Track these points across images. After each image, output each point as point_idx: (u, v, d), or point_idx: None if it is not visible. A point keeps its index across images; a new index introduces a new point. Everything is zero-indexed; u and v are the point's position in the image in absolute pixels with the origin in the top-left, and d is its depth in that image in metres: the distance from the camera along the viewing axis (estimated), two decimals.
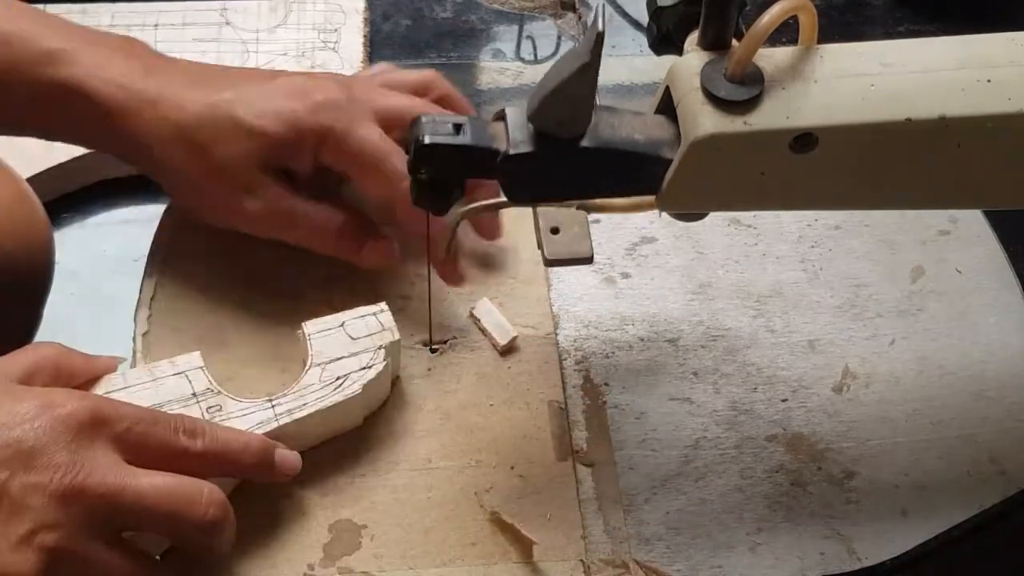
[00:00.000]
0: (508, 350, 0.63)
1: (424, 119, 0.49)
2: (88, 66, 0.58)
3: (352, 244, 0.62)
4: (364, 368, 0.57)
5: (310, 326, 0.58)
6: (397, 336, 0.59)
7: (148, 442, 0.49)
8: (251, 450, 0.53)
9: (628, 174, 0.50)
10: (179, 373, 0.56)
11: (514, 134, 0.49)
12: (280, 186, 0.60)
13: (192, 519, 0.49)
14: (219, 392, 0.55)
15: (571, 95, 0.46)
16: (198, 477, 0.50)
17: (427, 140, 0.49)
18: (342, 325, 0.59)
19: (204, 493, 0.50)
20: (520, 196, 0.52)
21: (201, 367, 0.56)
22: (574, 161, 0.49)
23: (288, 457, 0.54)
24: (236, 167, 0.58)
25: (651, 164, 0.49)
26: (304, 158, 0.60)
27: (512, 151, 0.49)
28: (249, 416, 0.55)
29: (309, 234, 0.61)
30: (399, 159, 0.58)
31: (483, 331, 0.64)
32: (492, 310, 0.64)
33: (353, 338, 0.58)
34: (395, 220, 0.61)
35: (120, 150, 0.61)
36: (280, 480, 0.55)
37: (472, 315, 0.64)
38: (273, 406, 0.55)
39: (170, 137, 0.58)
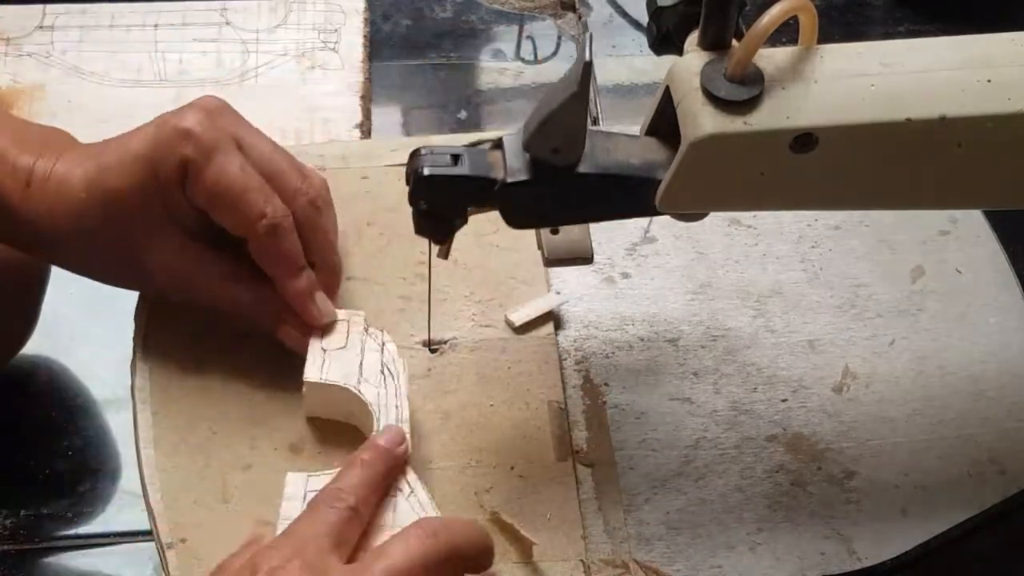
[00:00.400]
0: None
1: (423, 151, 0.51)
2: None
3: (269, 316, 0.58)
4: (381, 348, 0.58)
5: (311, 375, 0.57)
6: (361, 312, 0.60)
7: None
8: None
9: (624, 197, 0.51)
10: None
11: (511, 162, 0.50)
12: (180, 244, 0.56)
13: None
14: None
15: (563, 123, 0.47)
16: None
17: (426, 172, 0.50)
18: (324, 351, 0.58)
19: None
20: (519, 222, 0.53)
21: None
22: (571, 187, 0.50)
23: None
24: (132, 227, 0.55)
25: (646, 186, 0.50)
26: (179, 197, 0.55)
27: (510, 179, 0.50)
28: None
29: (218, 302, 0.58)
30: (258, 195, 0.55)
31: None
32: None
33: (344, 347, 0.58)
34: (259, 263, 0.57)
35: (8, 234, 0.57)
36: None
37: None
38: (382, 412, 0.56)
39: (61, 210, 0.55)
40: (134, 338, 0.61)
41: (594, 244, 0.60)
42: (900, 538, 0.58)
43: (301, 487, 0.53)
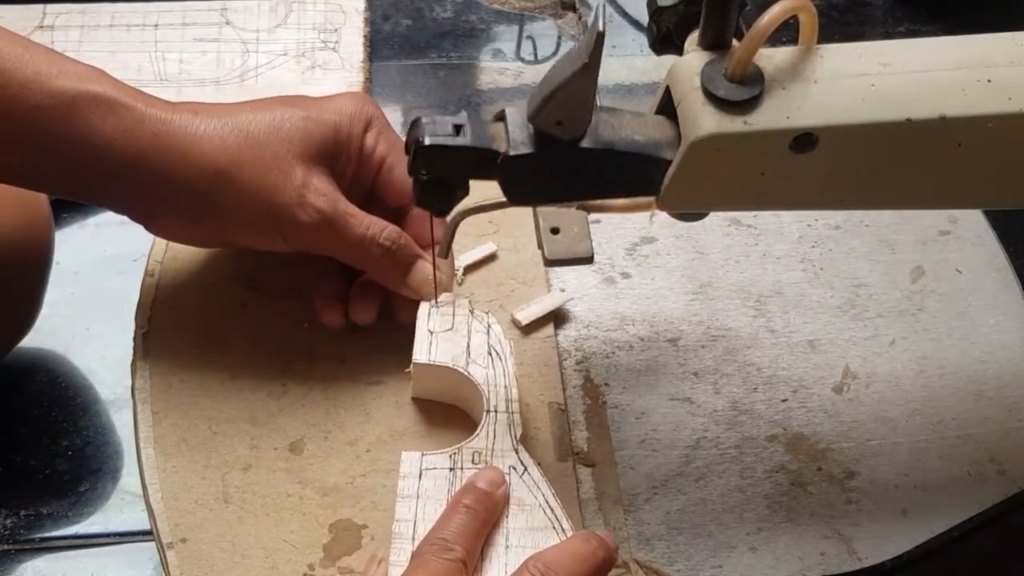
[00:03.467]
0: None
1: (424, 119, 0.49)
2: (114, 83, 0.55)
3: (400, 265, 0.60)
4: (487, 330, 0.60)
5: (420, 357, 0.58)
6: (467, 298, 0.61)
7: None
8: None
9: (628, 175, 0.50)
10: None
11: (514, 135, 0.49)
12: (336, 186, 0.58)
13: None
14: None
15: (571, 96, 0.46)
16: None
17: (427, 141, 0.49)
18: (431, 333, 0.59)
19: None
20: (520, 197, 0.51)
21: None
22: (574, 162, 0.49)
23: None
24: (295, 160, 0.56)
25: (651, 165, 0.49)
26: (354, 143, 0.59)
27: (512, 152, 0.49)
28: (495, 431, 0.57)
29: (358, 246, 0.58)
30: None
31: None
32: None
33: (451, 329, 0.59)
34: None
35: (140, 176, 0.55)
36: None
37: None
38: (494, 411, 0.57)
39: (221, 134, 0.55)
40: (134, 338, 0.61)
41: (594, 244, 0.60)
42: (900, 538, 0.58)
43: (416, 465, 0.54)
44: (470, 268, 0.67)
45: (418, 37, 0.88)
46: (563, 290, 0.67)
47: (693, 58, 0.49)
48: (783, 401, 0.63)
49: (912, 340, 0.66)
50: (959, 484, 0.61)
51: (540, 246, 0.59)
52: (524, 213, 0.62)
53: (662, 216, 0.54)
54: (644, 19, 0.56)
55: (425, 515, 0.53)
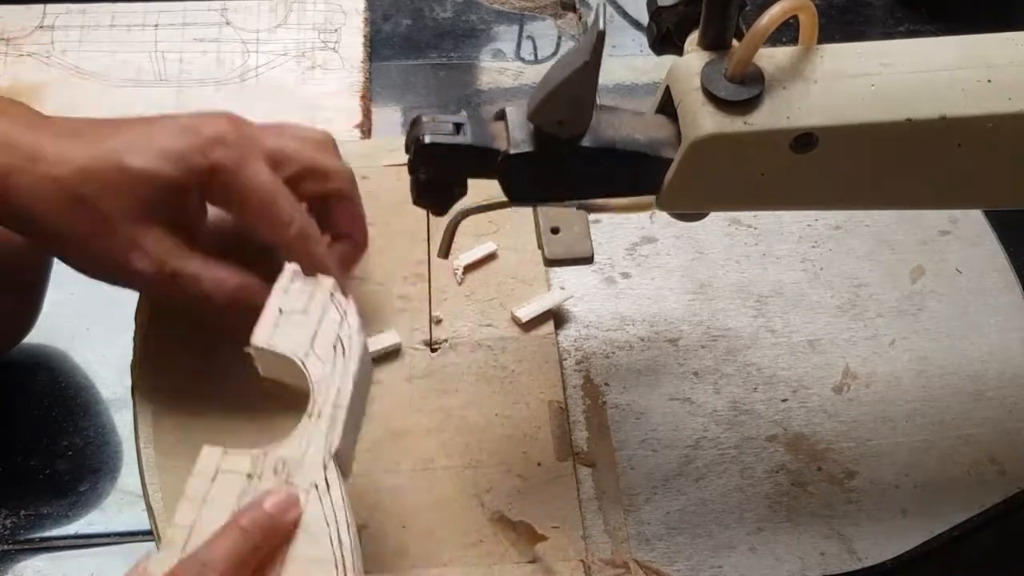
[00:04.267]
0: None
1: (424, 118, 0.49)
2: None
3: (244, 311, 0.55)
4: (341, 320, 0.54)
5: (259, 339, 0.53)
6: (330, 277, 0.55)
7: None
8: None
9: (628, 174, 0.50)
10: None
11: (514, 133, 0.49)
12: (172, 240, 0.55)
13: None
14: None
15: (572, 95, 0.46)
16: None
17: (427, 139, 0.49)
18: (281, 312, 0.54)
19: None
20: (520, 196, 0.51)
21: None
22: (574, 161, 0.49)
23: None
24: (124, 219, 0.54)
25: (651, 164, 0.49)
26: (193, 199, 0.56)
27: (512, 151, 0.48)
28: (310, 439, 0.50)
29: (198, 298, 0.56)
30: (287, 202, 0.56)
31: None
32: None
33: (303, 311, 0.54)
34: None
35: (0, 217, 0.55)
36: None
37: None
38: (317, 415, 0.51)
39: (53, 195, 0.53)
40: (134, 338, 0.61)
41: (594, 244, 0.60)
42: (900, 538, 0.58)
43: (214, 464, 0.49)
44: (470, 267, 0.67)
45: (418, 37, 0.88)
46: (563, 288, 0.67)
47: (693, 58, 0.49)
48: (783, 401, 0.63)
49: (912, 340, 0.66)
50: (959, 484, 0.61)
51: (540, 246, 0.59)
52: (524, 213, 0.62)
53: (662, 216, 0.54)
54: (644, 19, 0.56)
55: (203, 524, 0.47)
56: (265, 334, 0.53)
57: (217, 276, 0.56)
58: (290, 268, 0.56)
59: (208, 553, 0.45)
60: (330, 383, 0.51)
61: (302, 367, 0.52)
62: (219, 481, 0.48)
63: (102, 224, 0.54)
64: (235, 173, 0.55)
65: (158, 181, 0.54)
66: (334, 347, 0.52)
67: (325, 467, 0.49)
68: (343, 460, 0.50)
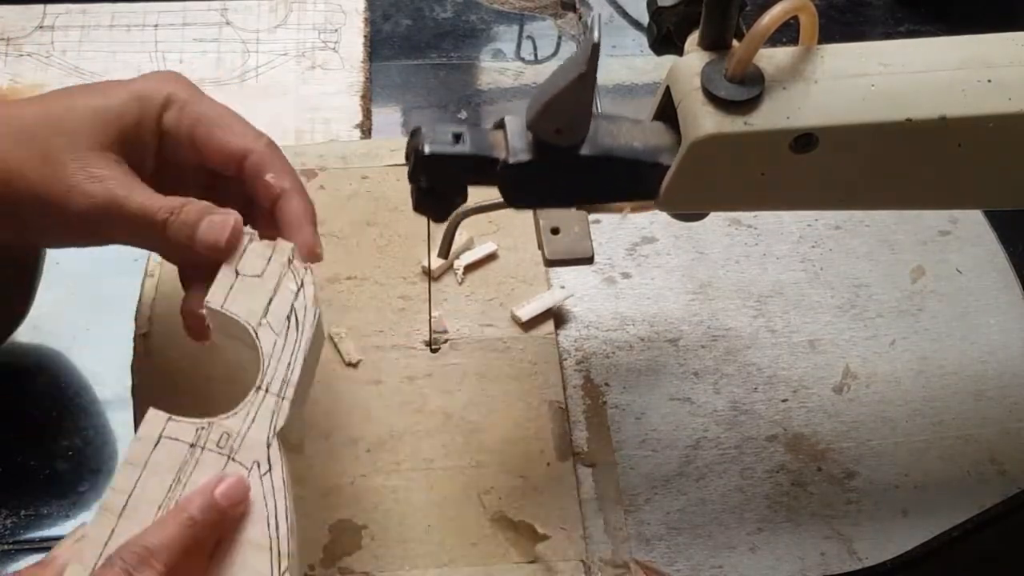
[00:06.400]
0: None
1: (424, 128, 0.50)
2: None
3: (185, 226, 0.53)
4: (298, 290, 0.52)
5: (214, 300, 0.51)
6: (290, 243, 0.53)
7: None
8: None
9: (627, 181, 0.50)
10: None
11: (513, 143, 0.49)
12: (122, 168, 0.54)
13: None
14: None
15: (569, 104, 0.47)
16: None
17: (427, 150, 0.49)
18: (237, 275, 0.52)
19: None
20: (520, 203, 0.52)
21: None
22: (573, 169, 0.49)
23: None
24: (75, 149, 0.53)
25: (650, 171, 0.50)
26: (147, 127, 0.55)
27: (512, 160, 0.49)
28: (256, 415, 0.50)
29: (140, 223, 0.53)
30: (246, 123, 0.56)
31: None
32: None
33: (259, 275, 0.52)
34: (250, 173, 0.55)
35: None
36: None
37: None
38: (265, 390, 0.50)
39: (7, 137, 0.53)
40: (134, 338, 0.61)
41: (594, 244, 0.60)
42: (900, 538, 0.58)
43: (157, 429, 0.48)
44: (470, 267, 0.67)
45: (418, 37, 0.88)
46: (563, 287, 0.67)
47: (693, 58, 0.49)
48: (783, 401, 0.63)
49: (912, 340, 0.66)
50: (959, 484, 0.61)
51: (540, 246, 0.59)
52: (524, 213, 0.62)
53: (662, 216, 0.54)
54: (644, 19, 0.56)
55: (144, 490, 0.46)
56: (220, 296, 0.52)
57: (161, 199, 0.53)
58: (247, 231, 0.54)
59: (152, 539, 0.45)
60: (281, 357, 0.50)
61: (255, 337, 0.51)
62: (161, 447, 0.48)
63: (53, 159, 0.53)
64: (189, 102, 0.55)
65: (108, 113, 0.54)
66: (288, 319, 0.51)
67: (269, 445, 0.48)
68: (287, 435, 0.49)
